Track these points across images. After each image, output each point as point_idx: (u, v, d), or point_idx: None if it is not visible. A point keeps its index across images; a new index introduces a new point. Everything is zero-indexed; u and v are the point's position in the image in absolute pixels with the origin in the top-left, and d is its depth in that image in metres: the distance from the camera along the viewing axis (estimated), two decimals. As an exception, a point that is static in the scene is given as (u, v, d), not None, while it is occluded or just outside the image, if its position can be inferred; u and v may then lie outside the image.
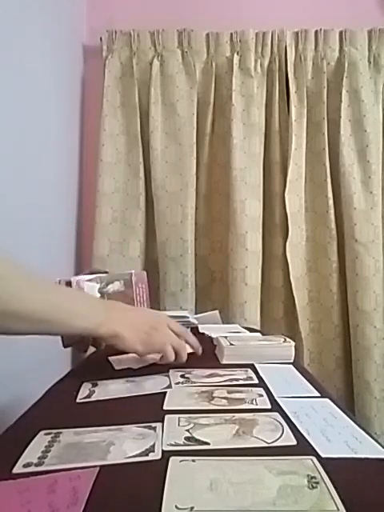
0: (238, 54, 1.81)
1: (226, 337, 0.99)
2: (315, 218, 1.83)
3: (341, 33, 1.82)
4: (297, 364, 0.88)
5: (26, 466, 0.46)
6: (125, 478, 0.42)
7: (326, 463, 0.43)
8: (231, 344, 0.91)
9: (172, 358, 0.78)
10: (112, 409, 0.62)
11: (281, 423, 0.56)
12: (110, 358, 0.89)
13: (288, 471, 0.42)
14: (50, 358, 1.45)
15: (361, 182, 1.77)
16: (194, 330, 1.21)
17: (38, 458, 0.47)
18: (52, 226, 1.57)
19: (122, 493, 0.40)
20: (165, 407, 0.60)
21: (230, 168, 1.77)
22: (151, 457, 0.46)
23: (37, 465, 0.46)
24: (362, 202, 1.75)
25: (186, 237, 1.77)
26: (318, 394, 0.69)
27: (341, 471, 0.41)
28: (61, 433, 0.54)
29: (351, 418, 0.58)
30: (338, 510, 0.36)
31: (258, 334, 1.17)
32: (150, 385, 0.73)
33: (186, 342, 0.83)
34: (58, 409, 0.65)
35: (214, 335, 1.08)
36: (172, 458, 0.45)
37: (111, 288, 1.15)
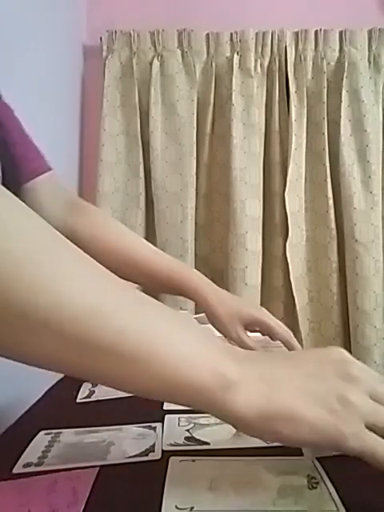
0: (238, 54, 1.81)
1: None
2: (315, 218, 1.83)
3: (341, 33, 1.82)
4: (297, 364, 0.88)
5: (26, 465, 0.45)
6: (125, 478, 0.42)
7: (325, 463, 0.43)
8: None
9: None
10: (112, 409, 0.62)
11: (281, 423, 0.55)
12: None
13: (288, 471, 0.42)
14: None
15: (361, 182, 1.77)
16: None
17: (38, 457, 0.47)
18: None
19: (122, 493, 0.40)
20: (165, 407, 0.60)
21: (229, 168, 1.77)
22: (151, 457, 0.46)
23: (37, 465, 0.46)
24: (362, 202, 1.75)
25: (186, 237, 1.76)
26: (318, 394, 0.69)
27: (341, 471, 0.41)
28: (61, 433, 0.54)
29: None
30: (338, 510, 0.36)
31: (258, 334, 1.17)
32: (150, 385, 0.73)
33: None
34: (58, 409, 0.65)
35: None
36: (172, 458, 0.45)
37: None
